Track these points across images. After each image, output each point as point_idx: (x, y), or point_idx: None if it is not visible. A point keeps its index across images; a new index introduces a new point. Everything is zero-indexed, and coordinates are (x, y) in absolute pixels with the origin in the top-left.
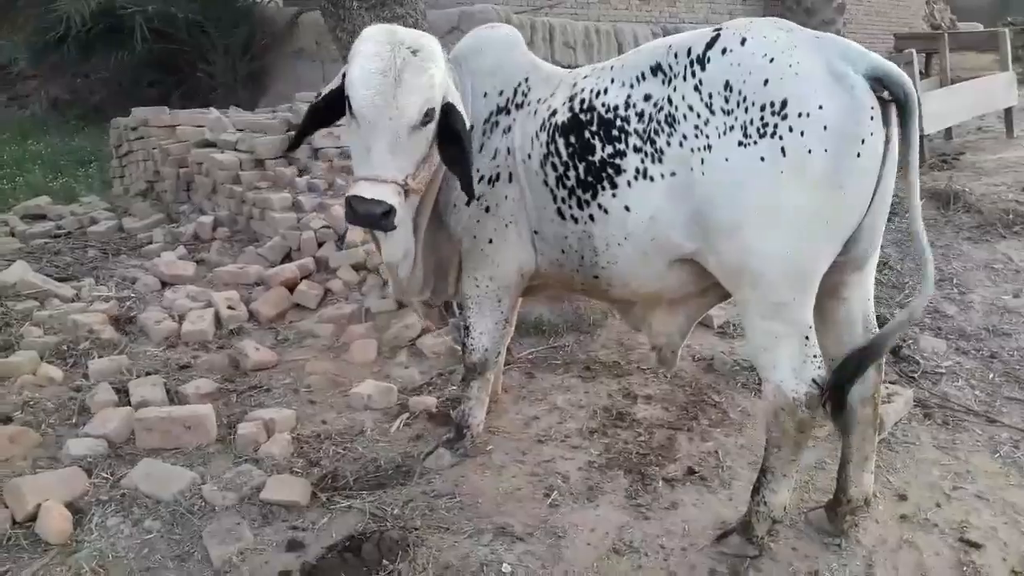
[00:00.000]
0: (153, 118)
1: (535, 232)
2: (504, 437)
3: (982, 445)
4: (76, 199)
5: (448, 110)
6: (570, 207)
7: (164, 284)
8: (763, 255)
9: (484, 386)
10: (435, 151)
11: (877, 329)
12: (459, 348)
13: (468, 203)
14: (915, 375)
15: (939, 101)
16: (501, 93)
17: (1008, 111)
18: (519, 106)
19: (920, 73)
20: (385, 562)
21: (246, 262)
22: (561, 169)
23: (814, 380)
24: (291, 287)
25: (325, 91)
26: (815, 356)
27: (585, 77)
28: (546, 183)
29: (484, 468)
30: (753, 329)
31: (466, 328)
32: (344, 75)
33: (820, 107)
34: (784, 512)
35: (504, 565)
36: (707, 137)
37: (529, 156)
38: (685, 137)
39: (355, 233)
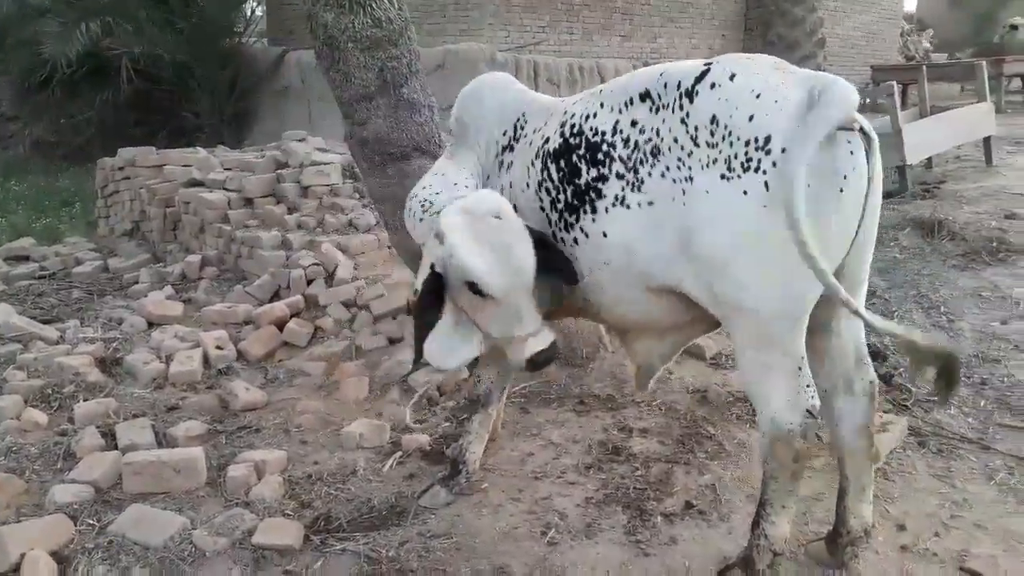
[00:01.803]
0: (140, 158)
1: None
2: (500, 474)
3: (978, 472)
4: (60, 240)
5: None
6: (560, 230)
7: (151, 324)
8: (748, 288)
9: (485, 421)
10: None
11: (868, 359)
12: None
13: None
14: (908, 403)
15: (920, 131)
16: (505, 133)
17: (987, 140)
18: (518, 139)
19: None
20: None
21: (234, 301)
22: (553, 193)
23: (808, 411)
24: (280, 325)
25: (418, 283)
26: (808, 386)
27: (575, 103)
28: (542, 208)
29: (480, 507)
30: (746, 361)
31: (475, 359)
32: (436, 263)
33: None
34: (785, 544)
35: None
36: (689, 169)
37: (527, 185)
38: (668, 168)
39: (345, 270)
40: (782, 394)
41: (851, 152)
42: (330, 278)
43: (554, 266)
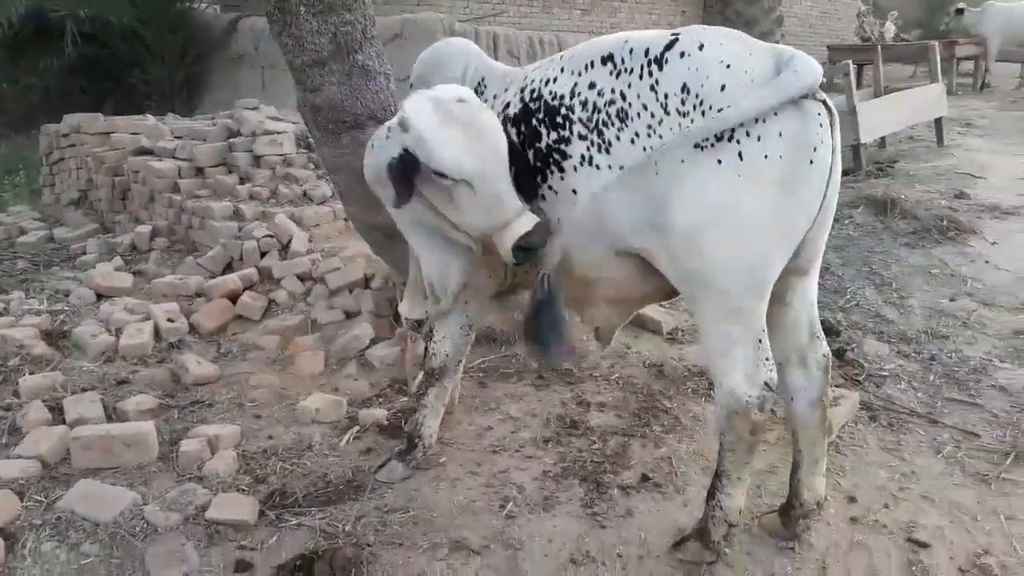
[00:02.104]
0: (86, 124)
1: None
2: (458, 448)
3: (926, 446)
4: (3, 209)
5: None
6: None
7: (100, 296)
8: (719, 259)
9: (440, 395)
10: None
11: (821, 333)
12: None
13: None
14: (860, 378)
15: (875, 111)
16: None
17: (939, 121)
18: None
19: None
20: None
21: (186, 273)
22: None
23: (766, 383)
24: (233, 298)
25: (385, 158)
26: (767, 359)
27: (535, 70)
28: None
29: (438, 481)
30: (707, 334)
31: (430, 332)
32: (398, 149)
33: (775, 114)
34: (739, 516)
35: None
36: (660, 137)
37: None
38: (637, 135)
39: (299, 242)
40: (742, 367)
41: (820, 125)
42: (284, 250)
43: (517, 162)
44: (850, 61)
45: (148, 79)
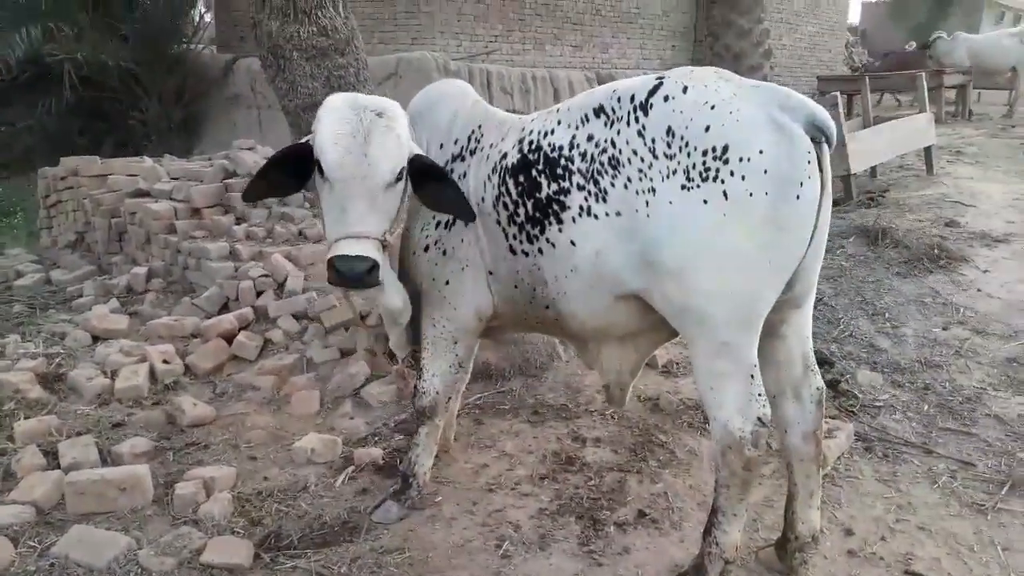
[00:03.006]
0: (83, 167)
1: (490, 273)
2: (453, 487)
3: (921, 476)
4: (1, 251)
5: (414, 160)
6: (520, 242)
7: (96, 339)
8: (708, 295)
9: (432, 433)
10: (404, 205)
11: (816, 366)
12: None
13: (426, 249)
14: (854, 409)
15: (865, 140)
16: (456, 142)
17: (928, 150)
18: (472, 152)
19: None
20: None
21: (182, 314)
22: (512, 208)
23: (759, 419)
24: (229, 339)
25: (285, 149)
26: (760, 395)
27: (533, 120)
28: (499, 222)
29: (434, 520)
30: (699, 368)
31: (419, 370)
32: (310, 139)
33: (760, 152)
34: (736, 552)
35: None
36: (651, 180)
37: (483, 199)
38: (629, 180)
39: (295, 281)
40: (734, 402)
41: (808, 161)
42: (280, 289)
43: (447, 200)
44: (838, 92)
45: (145, 120)
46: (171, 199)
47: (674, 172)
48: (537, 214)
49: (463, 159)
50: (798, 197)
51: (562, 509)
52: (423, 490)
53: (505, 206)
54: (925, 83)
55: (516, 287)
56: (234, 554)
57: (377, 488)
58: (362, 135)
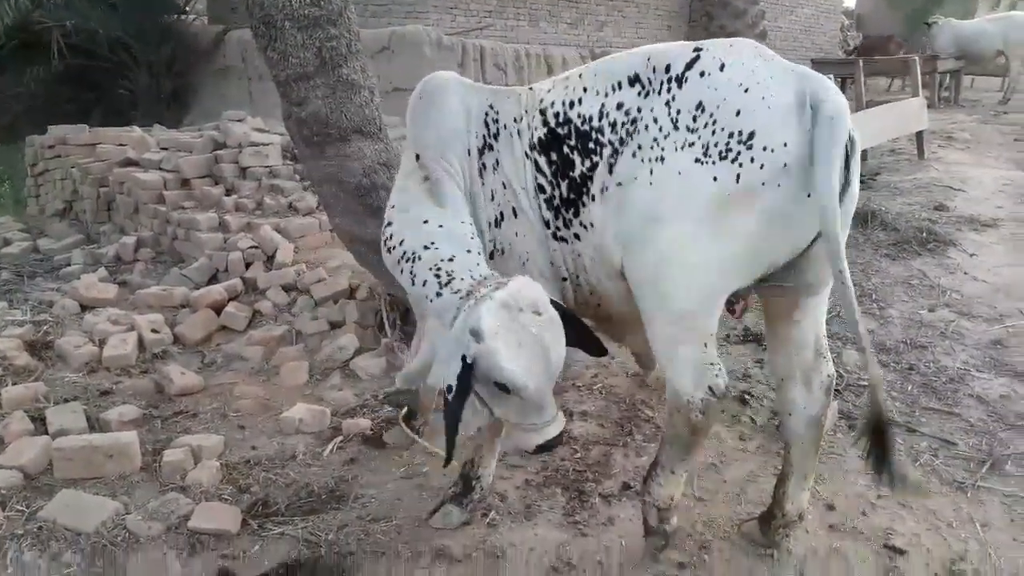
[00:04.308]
0: (72, 136)
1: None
2: (440, 458)
3: (903, 454)
4: None
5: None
6: (561, 227)
7: (84, 307)
8: (683, 264)
9: (494, 434)
10: None
11: (828, 353)
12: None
13: (491, 256)
14: (839, 388)
15: (857, 124)
16: (478, 135)
17: (919, 134)
18: (496, 136)
19: None
20: None
21: (171, 284)
22: (549, 190)
23: (711, 388)
24: (218, 309)
25: (450, 379)
26: (713, 364)
27: (550, 90)
28: (542, 216)
29: (420, 490)
30: (656, 334)
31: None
32: (468, 356)
33: (785, 145)
34: (671, 503)
35: None
36: (662, 149)
37: (525, 186)
38: (640, 147)
39: (284, 253)
40: (687, 368)
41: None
42: (269, 261)
43: (581, 342)
44: (832, 75)
45: (134, 90)
46: (160, 169)
47: (691, 145)
48: (571, 195)
49: (490, 148)
50: (809, 196)
51: (548, 481)
52: (486, 493)
53: (540, 188)
54: (919, 67)
55: (565, 279)
56: (222, 520)
57: (365, 458)
58: (541, 351)
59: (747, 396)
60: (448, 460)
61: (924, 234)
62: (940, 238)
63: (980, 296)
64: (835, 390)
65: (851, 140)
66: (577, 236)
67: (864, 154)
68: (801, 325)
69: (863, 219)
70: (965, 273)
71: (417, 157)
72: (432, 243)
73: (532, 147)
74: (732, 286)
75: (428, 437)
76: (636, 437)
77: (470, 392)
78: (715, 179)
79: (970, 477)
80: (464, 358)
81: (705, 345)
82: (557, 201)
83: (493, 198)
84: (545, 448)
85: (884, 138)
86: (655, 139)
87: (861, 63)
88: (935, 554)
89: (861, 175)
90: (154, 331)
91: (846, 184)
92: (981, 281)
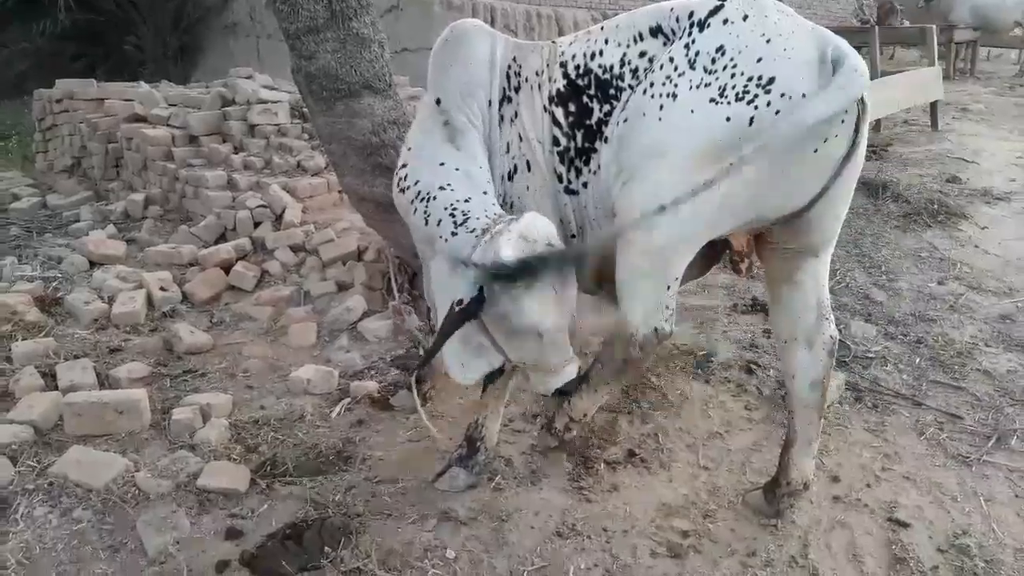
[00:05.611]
0: (79, 91)
1: (561, 221)
2: (448, 422)
3: (909, 427)
4: None
5: None
6: (574, 178)
7: (93, 264)
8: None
9: (498, 395)
10: None
11: (830, 315)
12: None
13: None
14: (847, 359)
15: (872, 92)
16: (498, 86)
17: (934, 105)
18: (517, 88)
19: None
20: (327, 549)
21: (179, 242)
22: (564, 142)
23: (656, 329)
24: (226, 268)
25: (451, 304)
26: (668, 307)
27: (571, 44)
28: (556, 171)
29: (427, 453)
30: (624, 263)
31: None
32: (482, 289)
33: (803, 95)
34: (583, 417)
35: (448, 551)
36: (675, 87)
37: (542, 139)
38: (652, 84)
39: (293, 213)
40: (643, 302)
41: (841, 120)
42: (278, 221)
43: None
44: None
45: (141, 46)
46: (168, 125)
47: (707, 85)
48: (586, 143)
49: (510, 100)
50: (816, 151)
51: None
52: (491, 455)
53: (555, 140)
54: (935, 36)
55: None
56: (231, 479)
57: (372, 420)
58: (560, 286)
59: (753, 366)
60: (426, 361)
61: (935, 206)
62: (952, 210)
63: (990, 270)
64: (842, 361)
65: (863, 102)
66: (586, 184)
67: (877, 124)
68: (804, 286)
69: (874, 190)
70: (976, 246)
71: (438, 102)
72: (448, 184)
73: (551, 99)
74: (716, 231)
75: (434, 404)
76: (642, 405)
77: (475, 316)
78: (728, 119)
79: (975, 451)
80: (481, 289)
81: (668, 288)
82: (572, 152)
83: (508, 150)
84: (564, 392)
85: (899, 108)
86: (668, 76)
87: (877, 31)
88: (938, 527)
89: (873, 145)
90: (163, 289)
91: (853, 146)
92: (992, 254)
